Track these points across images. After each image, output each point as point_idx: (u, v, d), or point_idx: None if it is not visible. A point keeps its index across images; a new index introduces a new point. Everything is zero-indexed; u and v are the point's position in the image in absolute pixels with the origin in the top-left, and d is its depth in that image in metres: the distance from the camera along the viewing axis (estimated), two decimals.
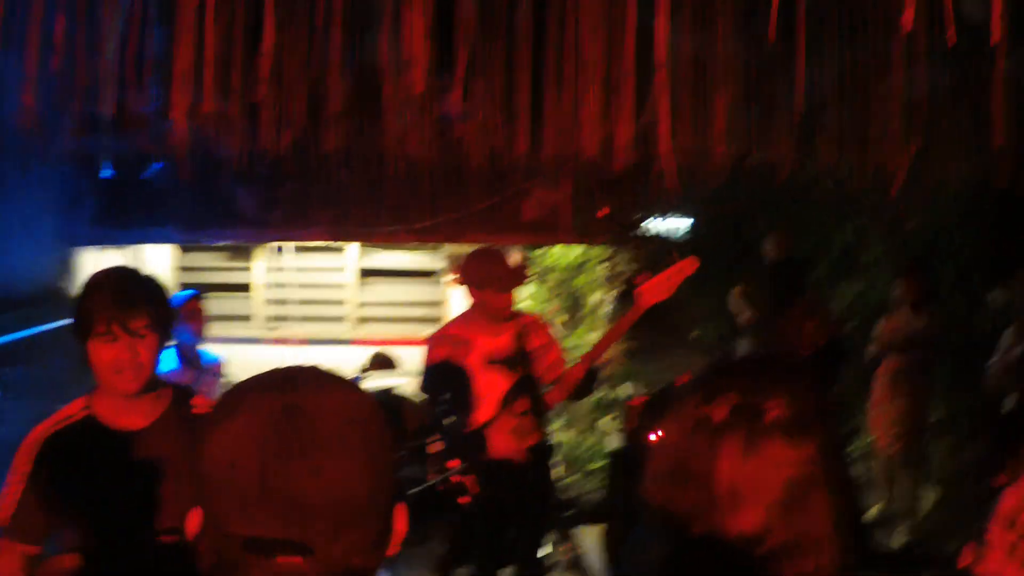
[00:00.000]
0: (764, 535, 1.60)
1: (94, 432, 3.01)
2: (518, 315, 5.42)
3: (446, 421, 5.21)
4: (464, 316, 5.51)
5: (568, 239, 7.74)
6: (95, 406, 3.05)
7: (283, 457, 1.29)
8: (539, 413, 5.28)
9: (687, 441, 1.67)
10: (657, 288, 4.84)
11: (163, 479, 2.98)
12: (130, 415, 3.06)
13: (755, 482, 1.61)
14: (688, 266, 4.82)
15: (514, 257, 5.52)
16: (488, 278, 5.22)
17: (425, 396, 5.44)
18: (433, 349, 5.42)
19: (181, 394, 3.29)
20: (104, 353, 2.93)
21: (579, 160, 4.63)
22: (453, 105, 3.90)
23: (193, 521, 1.37)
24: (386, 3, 3.51)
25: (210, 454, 1.33)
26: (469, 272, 5.30)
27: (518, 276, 5.31)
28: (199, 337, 7.00)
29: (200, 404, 3.27)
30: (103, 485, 2.97)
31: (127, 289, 3.02)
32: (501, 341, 5.32)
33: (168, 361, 6.80)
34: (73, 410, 3.06)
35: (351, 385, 1.47)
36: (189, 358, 6.91)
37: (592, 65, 4.01)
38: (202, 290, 8.80)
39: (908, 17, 2.28)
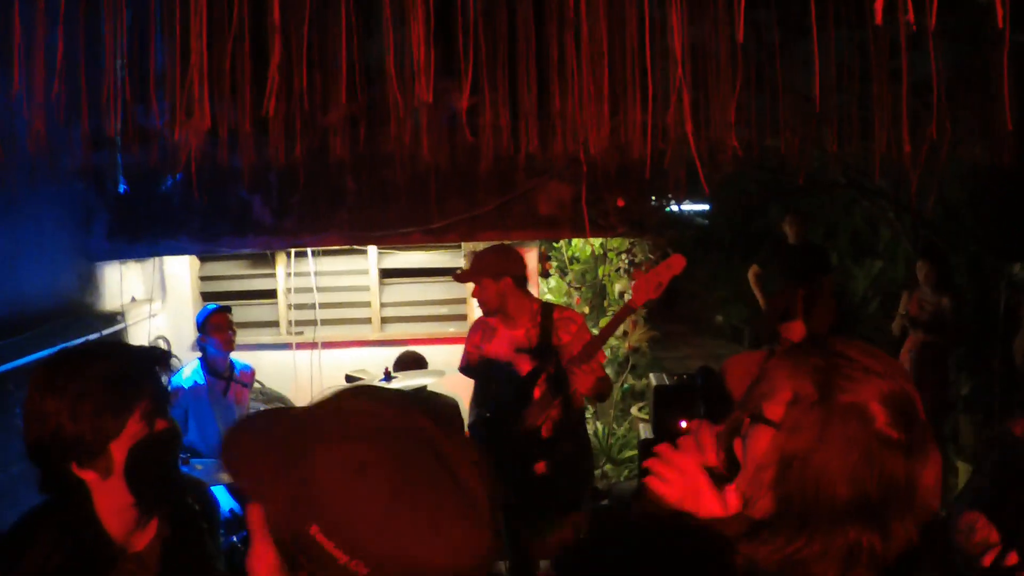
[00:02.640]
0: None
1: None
2: (548, 307, 5.57)
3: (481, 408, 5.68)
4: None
5: (583, 232, 7.73)
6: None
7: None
8: (565, 403, 5.37)
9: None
10: (646, 287, 4.86)
11: None
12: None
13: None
14: (676, 263, 4.81)
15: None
16: (514, 268, 5.52)
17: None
18: (470, 333, 5.94)
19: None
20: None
21: (588, 155, 4.63)
22: (460, 107, 3.90)
23: None
24: (389, 9, 3.52)
25: (325, 473, 1.26)
26: (496, 263, 5.53)
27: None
28: (227, 350, 7.04)
29: None
30: None
31: (145, 355, 2.41)
32: (515, 333, 5.48)
33: (196, 375, 6.85)
34: None
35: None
36: (217, 371, 6.96)
37: (597, 59, 4.02)
38: (225, 298, 8.87)
39: (879, 6, 2.26)
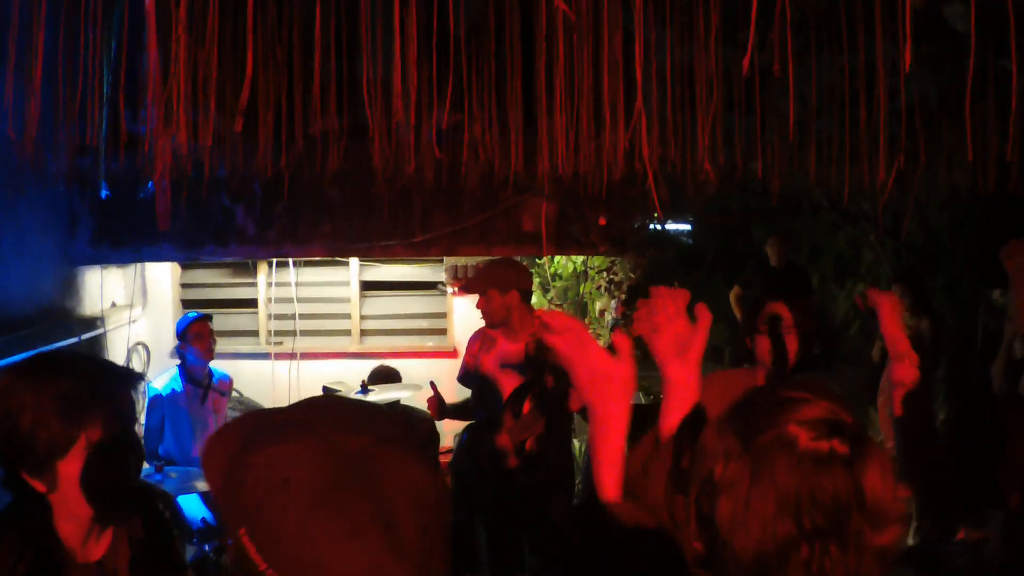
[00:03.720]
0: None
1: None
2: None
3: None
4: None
5: (564, 250, 7.75)
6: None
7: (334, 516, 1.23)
8: (550, 420, 5.39)
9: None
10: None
11: None
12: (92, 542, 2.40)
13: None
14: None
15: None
16: (522, 281, 5.58)
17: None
18: (469, 343, 5.92)
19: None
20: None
21: (571, 174, 4.65)
22: (446, 123, 3.92)
23: None
24: (378, 24, 3.54)
25: (255, 479, 1.26)
26: (503, 276, 5.54)
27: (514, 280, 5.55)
28: (207, 358, 7.03)
29: None
30: None
31: (108, 376, 2.36)
32: (515, 347, 5.47)
33: (174, 382, 6.84)
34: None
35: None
36: (195, 379, 6.94)
37: (580, 79, 4.05)
38: (205, 306, 8.86)
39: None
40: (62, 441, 2.17)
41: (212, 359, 7.11)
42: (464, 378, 5.96)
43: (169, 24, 3.31)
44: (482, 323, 5.74)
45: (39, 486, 2.21)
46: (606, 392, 2.02)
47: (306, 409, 1.41)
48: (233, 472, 1.29)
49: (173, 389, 6.83)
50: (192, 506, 6.24)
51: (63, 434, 2.16)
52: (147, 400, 6.78)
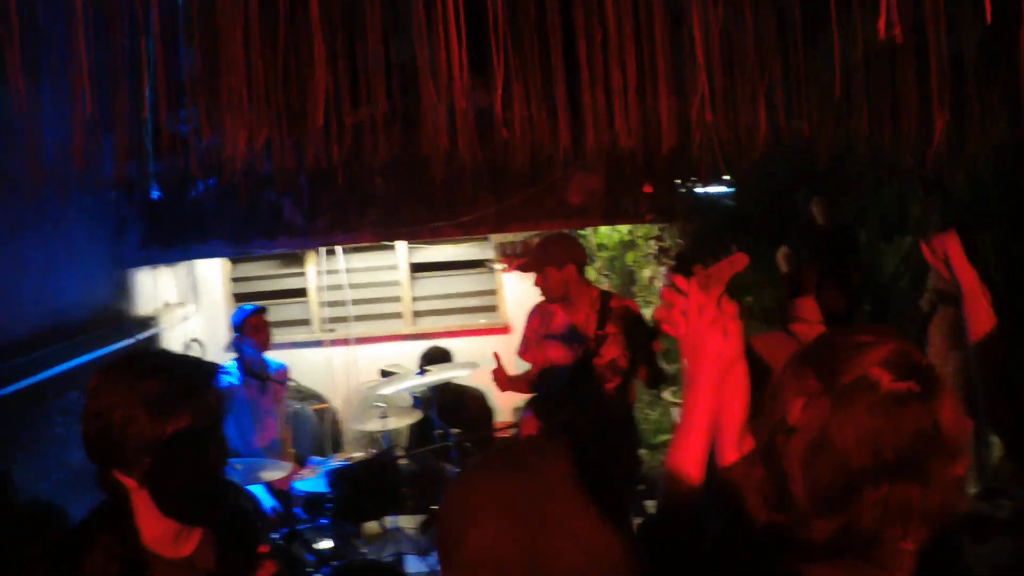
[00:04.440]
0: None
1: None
2: (607, 295, 5.68)
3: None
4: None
5: (611, 221, 7.75)
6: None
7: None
8: (617, 389, 5.45)
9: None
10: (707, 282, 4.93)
11: None
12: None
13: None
14: (738, 261, 4.86)
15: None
16: (579, 256, 5.73)
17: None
18: (529, 318, 6.05)
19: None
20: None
21: (619, 147, 4.65)
22: (493, 103, 3.93)
23: None
24: (419, 7, 3.54)
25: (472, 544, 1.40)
26: (562, 252, 5.68)
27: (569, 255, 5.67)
28: (264, 350, 7.10)
29: None
30: None
31: (191, 373, 2.38)
32: (575, 319, 5.62)
33: (232, 376, 6.90)
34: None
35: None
36: (254, 371, 7.01)
37: (625, 50, 4.04)
38: (257, 298, 8.93)
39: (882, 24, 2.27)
40: (150, 436, 2.21)
41: (269, 350, 7.18)
42: (525, 353, 6.03)
43: (211, 20, 3.33)
44: (535, 299, 5.79)
45: (130, 482, 2.26)
46: (714, 371, 2.04)
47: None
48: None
49: (232, 382, 6.90)
50: (261, 496, 6.33)
51: (151, 429, 2.20)
52: None
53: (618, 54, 4.06)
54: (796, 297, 4.76)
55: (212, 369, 2.45)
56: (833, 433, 1.66)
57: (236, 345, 7.10)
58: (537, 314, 5.97)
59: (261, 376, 7.06)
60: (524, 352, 6.05)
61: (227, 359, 7.17)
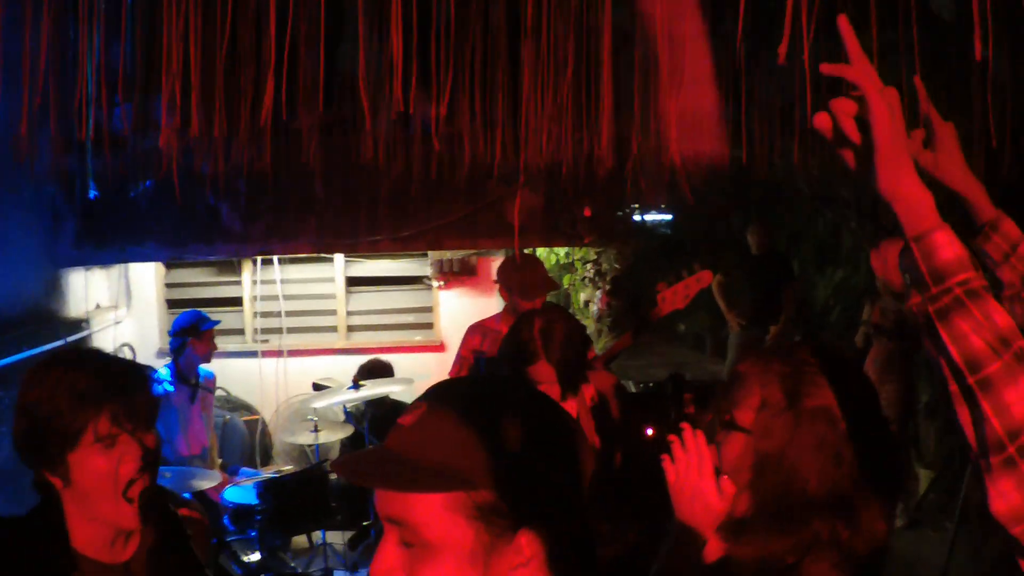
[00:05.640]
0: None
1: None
2: None
3: None
4: (501, 313, 5.96)
5: (549, 242, 7.78)
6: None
7: None
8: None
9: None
10: (674, 297, 5.02)
11: None
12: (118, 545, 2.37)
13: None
14: (704, 278, 5.01)
15: (541, 268, 5.85)
16: (517, 284, 5.64)
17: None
18: (467, 338, 5.98)
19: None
20: (101, 464, 2.22)
21: (558, 166, 4.68)
22: (431, 116, 3.94)
23: None
24: (364, 17, 3.55)
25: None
26: (502, 276, 5.76)
27: (544, 285, 5.68)
28: (204, 361, 7.05)
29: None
30: None
31: (123, 372, 2.34)
32: None
33: (164, 382, 6.82)
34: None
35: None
36: (186, 378, 6.93)
37: (563, 70, 4.07)
38: (190, 305, 8.83)
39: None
40: (71, 432, 2.17)
41: (209, 363, 7.13)
42: (460, 372, 6.00)
43: (153, 19, 3.31)
44: (471, 317, 5.80)
45: (56, 481, 2.22)
46: (702, 521, 1.94)
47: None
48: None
49: (164, 388, 6.81)
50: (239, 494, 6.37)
51: (71, 424, 2.17)
52: None
53: (561, 75, 4.09)
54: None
55: (145, 372, 2.44)
56: (792, 456, 1.68)
57: (177, 346, 6.96)
58: (478, 332, 5.97)
59: (192, 383, 6.98)
60: (459, 372, 6.01)
61: (159, 366, 7.08)
